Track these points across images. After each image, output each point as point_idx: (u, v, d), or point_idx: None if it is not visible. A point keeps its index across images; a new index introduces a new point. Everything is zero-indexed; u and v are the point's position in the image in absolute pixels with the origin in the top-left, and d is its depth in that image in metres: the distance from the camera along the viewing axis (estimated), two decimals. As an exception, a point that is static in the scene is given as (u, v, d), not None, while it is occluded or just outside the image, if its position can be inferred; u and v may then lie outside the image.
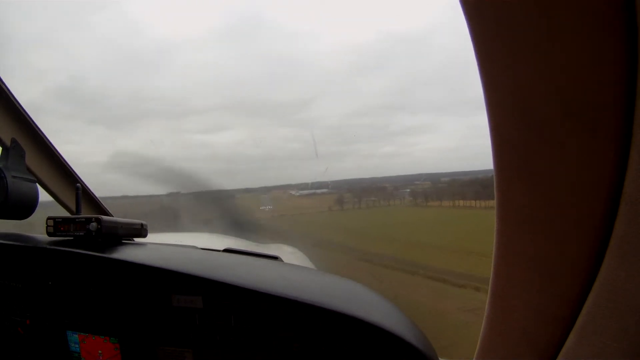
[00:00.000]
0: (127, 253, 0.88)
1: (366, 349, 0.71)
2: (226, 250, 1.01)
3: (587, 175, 0.46)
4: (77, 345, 0.89)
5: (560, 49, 0.42)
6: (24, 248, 0.90)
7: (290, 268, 0.95)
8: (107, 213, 1.47)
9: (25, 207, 0.96)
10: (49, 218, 0.93)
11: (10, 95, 1.11)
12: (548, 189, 0.49)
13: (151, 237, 1.08)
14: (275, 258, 0.99)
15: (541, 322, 0.56)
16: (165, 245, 1.05)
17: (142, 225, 1.05)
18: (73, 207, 1.33)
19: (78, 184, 1.12)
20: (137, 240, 1.07)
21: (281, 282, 0.79)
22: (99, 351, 0.87)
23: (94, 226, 0.89)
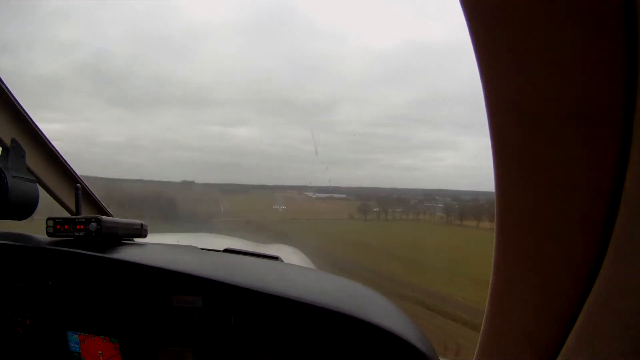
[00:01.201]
0: (127, 253, 0.88)
1: (367, 349, 0.71)
2: (226, 251, 1.01)
3: (587, 175, 0.46)
4: (77, 345, 0.89)
5: (560, 49, 0.42)
6: (24, 248, 0.90)
7: (290, 268, 0.95)
8: (107, 213, 1.47)
9: (25, 207, 0.96)
10: (49, 218, 0.93)
11: (10, 95, 1.11)
12: (548, 189, 0.49)
13: (151, 237, 1.08)
14: (275, 258, 0.99)
15: (541, 322, 0.56)
16: (165, 245, 1.05)
17: (141, 225, 1.05)
18: (73, 207, 1.34)
19: (78, 184, 1.13)
20: (136, 240, 1.07)
21: (281, 282, 0.79)
22: (99, 351, 0.87)
23: (93, 226, 0.89)
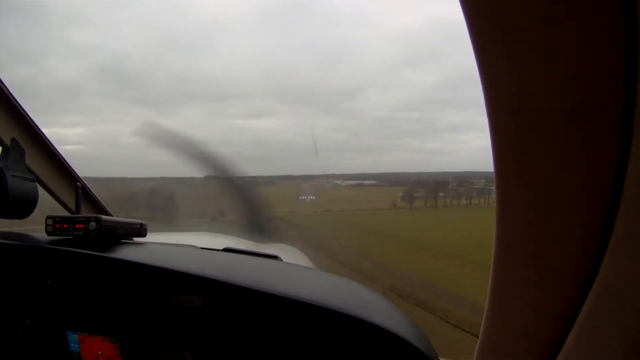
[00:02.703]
0: (126, 253, 0.88)
1: (366, 349, 0.71)
2: (226, 250, 1.01)
3: (587, 175, 0.46)
4: (76, 345, 0.89)
5: (560, 49, 0.42)
6: (23, 247, 0.90)
7: (290, 267, 0.95)
8: (106, 212, 1.47)
9: (25, 206, 0.96)
10: (48, 217, 0.93)
11: (10, 96, 1.11)
12: (548, 189, 0.49)
13: (150, 237, 1.08)
14: (274, 257, 0.99)
15: (541, 322, 0.56)
16: (164, 245, 1.05)
17: (141, 224, 1.05)
18: (73, 207, 1.33)
19: (78, 184, 1.13)
20: (136, 239, 1.07)
21: (281, 281, 0.79)
22: (99, 351, 0.87)
23: (93, 226, 0.89)
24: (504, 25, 0.43)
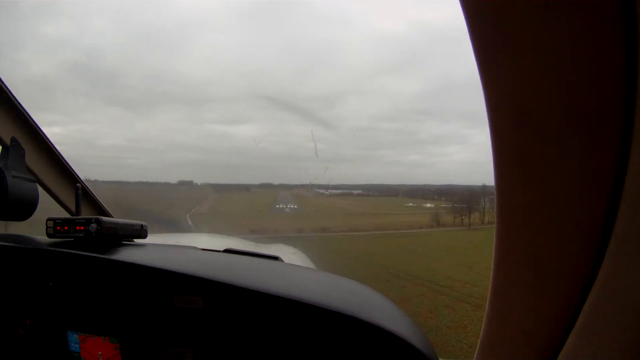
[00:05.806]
0: (127, 254, 0.88)
1: (366, 349, 0.71)
2: (226, 251, 1.01)
3: (587, 175, 0.46)
4: (77, 346, 0.89)
5: (561, 49, 0.42)
6: (24, 249, 0.90)
7: (290, 268, 0.95)
8: (107, 214, 1.47)
9: (25, 207, 0.96)
10: (49, 219, 0.93)
11: (10, 95, 1.11)
12: (548, 189, 0.49)
13: (151, 238, 1.08)
14: (275, 258, 0.99)
15: (541, 322, 0.56)
16: (165, 246, 1.06)
17: (142, 226, 1.05)
18: (73, 208, 1.33)
19: (78, 184, 1.13)
20: (137, 241, 1.07)
21: (281, 282, 0.80)
22: (99, 352, 0.87)
23: (93, 227, 0.89)
24: (504, 26, 0.43)
